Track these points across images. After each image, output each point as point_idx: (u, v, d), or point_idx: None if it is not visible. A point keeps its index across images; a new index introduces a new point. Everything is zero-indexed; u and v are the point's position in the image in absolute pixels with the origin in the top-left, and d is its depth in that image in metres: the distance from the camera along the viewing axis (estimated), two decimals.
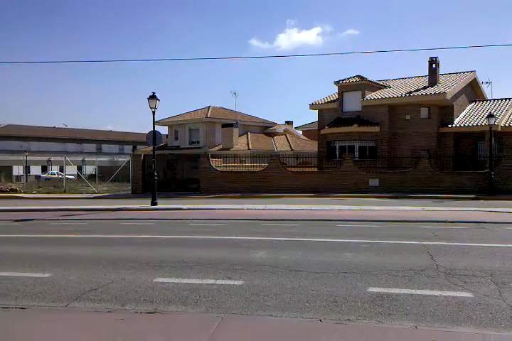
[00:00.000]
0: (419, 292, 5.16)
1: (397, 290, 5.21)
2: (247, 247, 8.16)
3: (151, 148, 17.98)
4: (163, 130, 40.75)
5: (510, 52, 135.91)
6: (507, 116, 26.44)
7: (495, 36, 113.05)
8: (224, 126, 35.15)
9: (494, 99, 29.81)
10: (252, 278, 5.84)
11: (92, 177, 31.46)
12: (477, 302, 4.75)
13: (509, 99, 28.71)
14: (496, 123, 22.36)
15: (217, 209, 15.70)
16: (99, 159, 30.28)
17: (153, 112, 17.16)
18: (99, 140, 63.65)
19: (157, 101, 17.01)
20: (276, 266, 6.47)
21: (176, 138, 38.47)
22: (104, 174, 29.39)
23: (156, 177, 17.24)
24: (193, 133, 37.48)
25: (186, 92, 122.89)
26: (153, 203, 16.69)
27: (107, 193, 24.24)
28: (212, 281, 5.72)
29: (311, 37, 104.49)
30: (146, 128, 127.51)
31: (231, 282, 5.68)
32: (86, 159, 42.72)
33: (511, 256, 7.10)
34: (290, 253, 7.61)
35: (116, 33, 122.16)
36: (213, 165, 23.73)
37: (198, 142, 36.76)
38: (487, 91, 32.34)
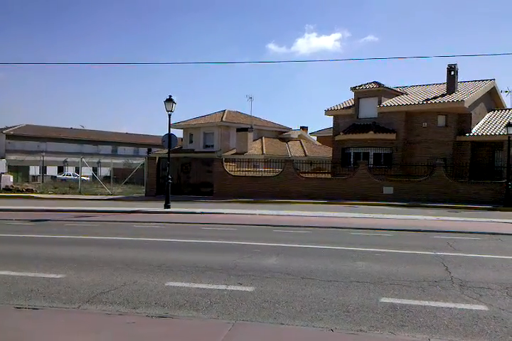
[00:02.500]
0: (432, 304, 5.07)
1: (410, 302, 5.14)
2: (259, 253, 8.13)
3: (166, 151, 18.13)
4: (179, 133, 40.95)
5: None
6: None
7: None
8: (239, 130, 35.23)
9: None
10: (263, 285, 5.82)
11: (107, 178, 31.77)
12: (492, 316, 4.66)
13: None
14: None
15: (230, 213, 15.71)
16: (114, 161, 30.61)
17: (169, 115, 17.29)
18: (115, 142, 64.26)
19: (173, 104, 17.14)
20: (288, 273, 6.43)
21: (191, 142, 38.67)
22: (118, 176, 29.66)
23: (170, 180, 17.34)
24: (207, 137, 37.63)
25: (202, 96, 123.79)
26: (167, 206, 16.77)
27: (121, 195, 24.44)
28: (223, 287, 5.71)
29: (329, 42, 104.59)
30: (162, 131, 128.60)
31: (242, 288, 5.67)
32: (101, 161, 43.16)
33: None
34: (302, 260, 7.56)
35: (134, 35, 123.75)
36: (227, 169, 23.78)
37: (213, 146, 36.88)
38: (506, 100, 32.06)
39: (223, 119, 36.62)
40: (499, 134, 24.19)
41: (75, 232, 10.95)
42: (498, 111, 29.45)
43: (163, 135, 18.00)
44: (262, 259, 7.54)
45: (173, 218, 14.28)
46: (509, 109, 29.61)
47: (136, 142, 66.43)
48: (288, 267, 6.89)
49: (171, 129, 18.08)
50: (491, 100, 30.03)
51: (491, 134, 25.04)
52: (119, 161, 40.98)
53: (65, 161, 51.15)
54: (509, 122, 21.34)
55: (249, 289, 5.61)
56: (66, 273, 6.36)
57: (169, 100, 17.05)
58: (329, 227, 12.22)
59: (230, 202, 21.01)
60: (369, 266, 7.13)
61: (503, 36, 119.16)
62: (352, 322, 4.48)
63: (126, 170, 30.56)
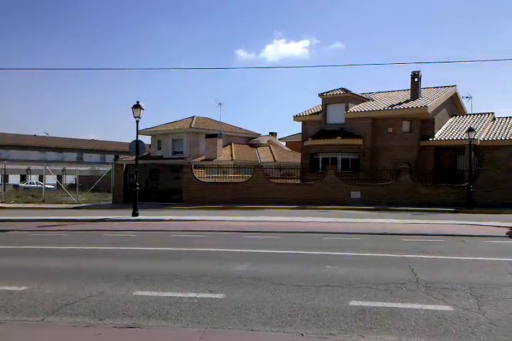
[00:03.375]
0: (400, 305, 5.17)
1: (378, 304, 5.22)
2: (229, 260, 8.10)
3: (134, 157, 17.88)
4: (147, 140, 40.48)
5: (490, 67, 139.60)
6: (486, 131, 27.05)
7: (476, 51, 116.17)
8: (208, 136, 35.13)
9: (474, 114, 30.51)
10: (233, 292, 5.79)
11: (72, 186, 30.99)
12: (457, 316, 4.79)
13: (489, 113, 29.40)
14: (475, 137, 22.81)
15: (200, 220, 15.59)
16: (80, 168, 29.87)
17: (137, 121, 17.05)
18: (81, 149, 62.92)
19: (141, 111, 16.92)
20: (259, 279, 6.43)
21: (159, 148, 38.28)
22: (84, 184, 28.98)
23: (138, 188, 17.07)
24: (176, 144, 37.35)
25: (171, 102, 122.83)
26: (135, 214, 16.49)
27: (87, 203, 23.87)
28: (193, 295, 5.65)
29: (297, 49, 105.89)
30: (129, 137, 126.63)
31: (212, 295, 5.62)
32: (66, 168, 42.09)
33: (490, 270, 7.20)
34: (272, 265, 7.58)
35: (100, 42, 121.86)
36: (196, 175, 23.63)
37: (182, 152, 36.62)
38: (467, 106, 33.14)
39: (192, 125, 36.46)
40: (461, 139, 25.00)
41: (38, 242, 10.61)
42: (459, 116, 30.49)
43: (130, 141, 17.74)
44: (233, 266, 7.51)
45: (142, 226, 14.05)
46: (470, 115, 30.71)
47: (102, 149, 65.23)
48: (259, 273, 6.88)
49: (139, 136, 17.85)
50: (453, 106, 31.07)
51: (453, 139, 25.87)
52: (85, 168, 40.08)
53: (28, 169, 49.66)
54: (470, 127, 22.13)
55: (219, 296, 5.57)
56: (29, 285, 6.14)
57: (137, 106, 16.83)
58: (299, 232, 12.29)
59: (199, 208, 20.86)
60: (338, 269, 7.21)
61: (465, 44, 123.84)
62: (322, 326, 4.51)
63: (93, 178, 29.90)
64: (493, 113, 29.46)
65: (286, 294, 5.67)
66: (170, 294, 5.69)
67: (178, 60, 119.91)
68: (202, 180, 23.75)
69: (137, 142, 17.32)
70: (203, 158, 34.99)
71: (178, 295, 5.65)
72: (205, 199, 22.69)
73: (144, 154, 33.23)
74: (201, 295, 5.65)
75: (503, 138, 25.65)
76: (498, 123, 28.38)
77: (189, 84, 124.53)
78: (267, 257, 8.43)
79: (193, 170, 23.67)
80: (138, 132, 17.55)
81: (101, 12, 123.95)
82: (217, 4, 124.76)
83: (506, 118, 29.18)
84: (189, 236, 11.62)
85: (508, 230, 12.61)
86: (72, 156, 60.42)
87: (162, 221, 15.47)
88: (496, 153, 25.47)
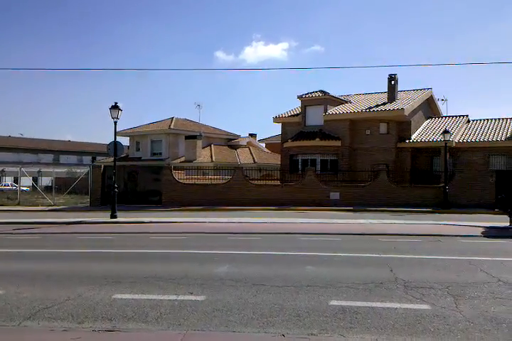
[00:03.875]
0: (379, 305, 5.24)
1: (358, 303, 5.28)
2: (210, 261, 8.07)
3: (112, 159, 17.63)
4: (125, 141, 39.95)
5: (464, 70, 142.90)
6: (461, 133, 27.66)
7: (451, 54, 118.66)
8: (187, 137, 34.94)
9: (449, 116, 31.15)
10: (214, 293, 5.77)
11: (48, 189, 30.36)
12: (434, 314, 4.88)
13: (463, 116, 30.07)
14: (450, 139, 23.29)
15: (180, 222, 15.49)
16: (56, 170, 29.33)
17: (115, 122, 16.86)
18: (57, 150, 61.74)
19: (119, 111, 16.73)
20: (239, 281, 6.42)
21: (138, 150, 37.88)
22: (61, 186, 28.42)
23: (116, 189, 16.86)
24: (155, 145, 37.02)
25: (149, 103, 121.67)
26: (113, 216, 16.28)
27: (63, 206, 23.44)
28: (173, 297, 5.61)
29: (276, 51, 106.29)
30: (107, 139, 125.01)
31: (193, 297, 5.59)
32: (42, 170, 41.21)
33: (466, 268, 7.36)
34: (253, 267, 7.58)
35: (77, 42, 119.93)
36: (176, 177, 23.47)
37: (161, 154, 36.32)
38: (443, 108, 33.80)
39: (171, 127, 36.21)
40: (437, 141, 25.50)
41: (14, 246, 10.36)
42: (435, 118, 31.09)
43: (108, 142, 17.52)
44: (214, 267, 7.48)
45: (120, 228, 13.86)
46: (445, 117, 31.35)
47: (80, 150, 64.17)
48: (240, 274, 6.88)
49: (117, 137, 17.61)
50: (429, 108, 31.66)
51: (429, 141, 26.36)
52: (61, 170, 39.33)
53: (3, 171, 48.44)
54: (445, 129, 22.60)
55: (200, 298, 5.55)
56: (5, 289, 6.00)
57: (115, 107, 16.63)
58: (280, 233, 12.33)
59: (179, 210, 20.72)
60: (318, 270, 7.27)
61: (440, 47, 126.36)
62: (303, 327, 4.54)
63: (70, 180, 29.34)
64: (467, 115, 30.14)
65: (267, 295, 5.68)
66: (150, 297, 5.63)
67: (156, 60, 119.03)
68: (181, 181, 23.59)
69: (115, 143, 17.12)
70: (182, 159, 34.76)
71: (159, 297, 5.60)
72: (185, 200, 22.55)
73: (122, 155, 32.90)
74: (182, 297, 5.61)
75: (477, 140, 26.28)
76: (472, 126, 29.06)
77: (168, 86, 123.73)
78: (248, 258, 8.43)
79: (173, 171, 23.50)
80: (116, 133, 17.34)
81: (78, 12, 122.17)
82: (196, 6, 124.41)
83: (480, 120, 29.89)
84: (169, 238, 11.53)
85: (482, 229, 12.91)
86: (49, 158, 59.24)
87: (141, 223, 15.30)
88: (470, 154, 26.08)
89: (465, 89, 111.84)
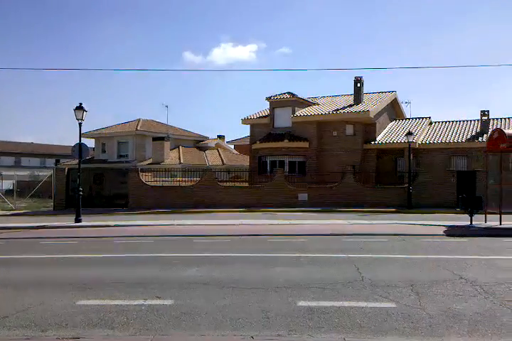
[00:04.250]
0: (346, 304, 5.32)
1: (326, 303, 5.34)
2: (178, 264, 7.99)
3: (77, 161, 17.22)
4: (90, 143, 39.08)
5: (427, 73, 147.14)
6: (424, 134, 28.46)
7: (416, 58, 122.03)
8: (155, 139, 34.51)
9: (412, 118, 31.99)
10: (183, 297, 5.72)
11: (9, 192, 29.31)
12: (400, 312, 4.99)
13: (426, 118, 30.95)
14: (414, 140, 23.91)
15: (147, 225, 15.26)
16: (18, 173, 28.37)
17: (80, 124, 16.44)
18: (19, 153, 59.73)
19: (84, 113, 16.34)
20: (208, 283, 6.39)
21: (104, 152, 37.13)
22: (24, 189, 27.49)
23: (81, 193, 16.45)
24: (121, 147, 36.38)
25: (115, 104, 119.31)
26: (78, 220, 15.88)
27: (26, 210, 22.68)
28: (140, 302, 5.52)
29: (245, 53, 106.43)
30: (72, 140, 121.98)
31: (161, 302, 5.52)
32: (3, 173, 39.76)
33: (429, 267, 7.57)
34: (222, 269, 7.56)
35: (43, 40, 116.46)
36: (143, 179, 23.13)
37: (127, 155, 35.72)
38: (406, 111, 34.65)
39: (138, 128, 35.69)
40: (401, 142, 26.15)
41: None
42: (399, 120, 31.88)
43: (73, 145, 17.09)
44: (182, 271, 7.41)
45: (86, 232, 13.54)
46: (409, 119, 32.19)
47: (43, 152, 62.29)
48: (208, 277, 6.84)
49: (82, 138, 17.21)
50: (393, 110, 32.42)
51: (393, 142, 26.99)
52: (23, 173, 38.03)
53: None
54: (409, 131, 23.20)
55: (168, 302, 5.48)
56: None
57: (79, 108, 16.24)
58: (248, 235, 12.33)
59: (147, 213, 20.42)
60: (287, 271, 7.31)
61: (405, 51, 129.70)
62: (272, 328, 4.56)
63: (33, 183, 28.43)
64: (429, 117, 31.04)
65: (236, 297, 5.67)
66: (116, 302, 5.52)
67: (122, 61, 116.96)
68: (149, 184, 23.27)
69: (80, 145, 16.71)
70: (149, 161, 34.30)
71: (125, 302, 5.50)
72: (153, 203, 22.25)
73: (88, 158, 32.09)
74: (149, 301, 5.53)
75: (439, 141, 27.12)
76: (435, 127, 29.96)
77: (134, 86, 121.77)
78: (216, 261, 8.40)
79: (140, 173, 23.14)
80: (81, 135, 16.93)
81: (43, 11, 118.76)
82: (164, 6, 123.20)
83: (442, 122, 30.85)
84: (135, 242, 11.35)
85: (445, 229, 13.32)
86: (10, 161, 57.24)
87: (107, 227, 14.99)
88: (433, 155, 26.88)
89: (427, 92, 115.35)
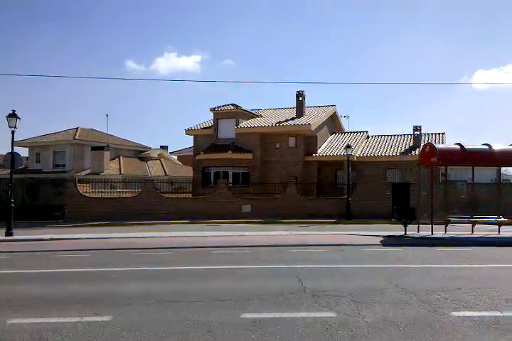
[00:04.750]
0: (289, 315, 5.39)
1: (269, 315, 5.38)
2: (117, 279, 7.74)
3: (8, 171, 16.29)
4: (24, 152, 37.13)
5: (364, 89, 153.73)
6: (362, 148, 29.68)
7: (354, 73, 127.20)
8: (94, 148, 33.39)
9: (351, 132, 33.29)
10: (122, 313, 5.54)
11: None
12: (340, 322, 5.13)
13: (363, 132, 32.30)
14: (352, 153, 24.87)
15: (85, 238, 14.67)
16: None
17: (13, 132, 15.62)
18: None
19: (17, 120, 15.55)
20: (149, 298, 6.24)
21: (38, 161, 35.35)
22: None
23: (12, 204, 15.54)
24: (58, 156, 34.83)
25: (52, 112, 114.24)
26: (8, 234, 14.98)
27: None
28: (77, 319, 5.28)
29: (189, 63, 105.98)
30: (3, 149, 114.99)
31: (99, 318, 5.31)
32: None
33: (367, 276, 7.85)
34: (164, 283, 7.41)
35: None
36: (81, 190, 22.25)
37: (64, 165, 34.23)
38: (345, 124, 36.03)
39: (76, 137, 34.37)
40: (340, 155, 27.10)
41: None
42: (338, 134, 33.05)
43: (5, 154, 16.16)
44: (121, 285, 7.18)
45: (18, 246, 12.78)
46: (348, 132, 33.46)
47: None
48: (149, 291, 6.68)
49: (15, 147, 16.33)
50: (333, 124, 33.58)
51: (333, 155, 27.93)
52: None
53: None
54: (348, 144, 24.11)
55: (106, 319, 5.29)
56: None
57: (12, 115, 15.44)
58: (190, 247, 12.19)
59: (85, 226, 19.63)
60: (230, 283, 7.30)
61: (344, 66, 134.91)
62: None
63: None
64: (367, 131, 32.45)
65: (178, 311, 5.58)
66: (51, 320, 5.25)
67: (61, 68, 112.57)
68: (87, 195, 22.43)
69: (12, 154, 15.85)
70: (88, 171, 33.07)
71: (60, 320, 5.24)
72: (91, 215, 21.43)
73: (21, 167, 30.44)
74: (86, 318, 5.30)
75: (375, 154, 28.39)
76: (371, 141, 31.35)
77: (73, 94, 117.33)
78: (157, 274, 8.22)
79: (77, 184, 22.27)
80: (13, 143, 16.06)
81: None
82: (105, 13, 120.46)
83: (378, 136, 32.34)
84: (72, 256, 10.86)
85: (381, 238, 13.89)
86: None
87: (41, 240, 14.26)
88: (370, 168, 28.07)
89: (365, 107, 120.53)
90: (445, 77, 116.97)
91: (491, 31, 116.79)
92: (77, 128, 36.83)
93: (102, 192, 23.78)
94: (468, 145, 14.90)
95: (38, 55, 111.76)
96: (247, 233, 15.75)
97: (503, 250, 11.51)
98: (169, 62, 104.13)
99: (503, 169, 23.78)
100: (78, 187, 22.15)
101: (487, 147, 14.78)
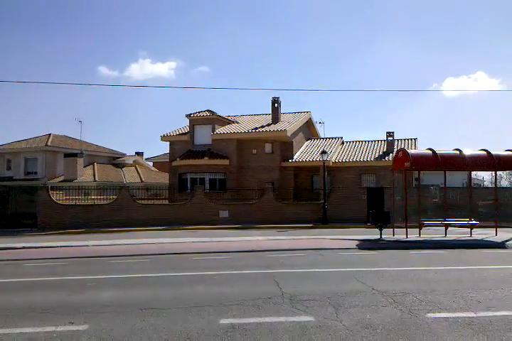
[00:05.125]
0: (267, 319, 5.40)
1: (247, 320, 5.38)
2: (93, 287, 7.60)
3: None
4: None
5: (338, 96, 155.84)
6: (337, 153, 30.03)
7: (328, 81, 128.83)
8: (67, 155, 32.82)
9: (326, 138, 33.65)
10: (98, 321, 5.44)
11: None
12: (318, 325, 5.16)
13: (338, 138, 32.70)
14: (328, 158, 25.12)
15: (58, 246, 14.34)
16: None
17: None
18: None
19: None
20: (126, 306, 6.15)
21: (9, 168, 34.51)
22: None
23: None
24: (30, 163, 34.07)
25: (23, 119, 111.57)
26: None
27: None
28: (51, 328, 5.16)
29: (164, 70, 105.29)
30: None
31: (74, 327, 5.20)
32: None
33: (344, 279, 7.93)
34: (141, 290, 7.32)
35: None
36: (54, 198, 21.78)
37: (36, 173, 33.51)
38: (320, 130, 36.36)
39: (48, 143, 33.72)
40: (316, 160, 27.35)
41: None
42: (314, 139, 33.36)
43: None
44: (97, 293, 7.05)
45: None
46: (323, 138, 33.82)
47: None
48: (126, 299, 6.59)
49: None
50: (308, 130, 33.89)
51: (309, 160, 28.17)
52: None
53: None
54: (323, 150, 24.34)
55: (82, 328, 5.18)
56: None
57: None
58: (168, 254, 12.07)
59: (58, 234, 19.19)
60: (208, 289, 7.26)
61: (320, 73, 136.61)
62: None
63: None
64: (341, 137, 32.83)
65: (155, 319, 5.51)
66: (24, 330, 5.11)
67: (30, 73, 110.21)
68: (61, 202, 21.97)
69: None
70: (61, 179, 32.44)
71: (34, 330, 5.11)
72: (65, 223, 20.98)
73: None
74: (61, 328, 5.19)
75: (350, 159, 28.78)
76: (346, 147, 31.77)
77: (44, 100, 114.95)
78: (134, 282, 8.11)
79: (50, 192, 21.79)
80: None
81: None
82: (78, 17, 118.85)
83: (353, 142, 32.79)
84: (45, 265, 10.60)
85: (357, 242, 14.05)
86: None
87: (12, 249, 13.86)
88: (345, 173, 28.42)
89: (339, 113, 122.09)
90: (416, 84, 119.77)
91: (460, 39, 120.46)
92: (50, 134, 36.16)
93: (76, 199, 23.34)
94: (440, 150, 15.27)
95: (5, 60, 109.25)
96: (224, 239, 15.69)
97: (475, 252, 11.80)
98: (144, 69, 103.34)
99: (473, 173, 24.45)
100: (51, 195, 21.68)
101: (458, 152, 15.19)
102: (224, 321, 5.35)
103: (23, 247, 14.08)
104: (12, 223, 21.04)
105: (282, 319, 5.41)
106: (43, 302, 6.45)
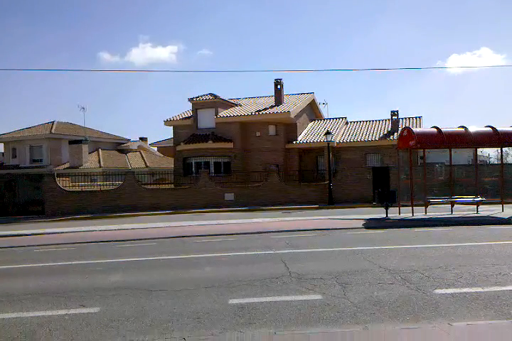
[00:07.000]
0: (276, 299, 5.46)
1: (256, 300, 5.44)
2: (102, 271, 7.70)
3: None
4: None
5: (341, 76, 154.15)
6: (341, 134, 29.85)
7: (330, 61, 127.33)
8: (71, 142, 32.85)
9: (330, 118, 33.42)
10: (109, 304, 5.52)
11: None
12: (326, 303, 5.21)
13: (342, 118, 32.47)
14: (332, 139, 24.95)
15: (67, 232, 14.49)
16: None
17: None
18: None
19: None
20: (136, 288, 6.23)
21: (15, 157, 34.66)
22: None
23: None
24: (35, 151, 34.18)
25: (26, 106, 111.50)
26: None
27: None
28: (64, 312, 5.25)
29: (165, 54, 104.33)
30: None
31: (86, 310, 5.29)
32: None
33: (351, 258, 7.98)
34: (149, 273, 7.40)
35: None
36: (60, 184, 21.92)
37: (41, 160, 33.64)
38: (324, 111, 36.14)
39: (53, 131, 33.74)
40: (320, 141, 27.23)
41: None
42: (318, 120, 33.15)
43: None
44: (106, 277, 7.15)
45: None
46: (327, 119, 33.59)
47: None
48: (135, 282, 6.67)
49: None
50: (312, 111, 33.65)
51: (313, 141, 28.05)
52: None
53: None
54: (327, 131, 24.19)
55: (93, 310, 5.27)
56: None
57: None
58: (175, 237, 12.16)
59: (66, 220, 19.38)
60: (216, 270, 7.33)
61: (322, 54, 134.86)
62: (204, 328, 4.55)
63: None
64: (345, 117, 32.61)
65: (165, 300, 5.59)
66: (37, 313, 5.21)
67: (33, 61, 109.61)
68: (67, 189, 22.11)
69: None
70: (66, 165, 32.57)
71: (47, 313, 5.20)
72: (72, 209, 21.17)
73: None
74: (73, 311, 5.28)
75: (354, 139, 28.62)
76: (350, 127, 31.56)
77: (47, 87, 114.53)
78: (142, 265, 8.20)
79: (56, 178, 21.91)
80: None
81: None
82: (76, 4, 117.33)
83: (357, 122, 32.56)
84: (55, 250, 10.73)
85: (364, 222, 14.09)
86: None
87: (21, 236, 14.03)
88: (350, 153, 28.32)
89: (343, 93, 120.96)
90: (420, 62, 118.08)
91: (463, 16, 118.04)
92: (53, 121, 36.14)
93: (82, 185, 23.48)
94: (445, 128, 15.13)
95: (8, 48, 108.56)
96: (231, 221, 15.78)
97: (481, 228, 11.81)
98: (145, 53, 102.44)
99: (479, 150, 24.29)
100: (57, 182, 21.81)
101: (463, 129, 15.04)
102: (233, 301, 5.41)
103: (32, 234, 14.23)
104: (20, 210, 21.25)
105: (290, 298, 5.47)
106: (54, 287, 6.55)
